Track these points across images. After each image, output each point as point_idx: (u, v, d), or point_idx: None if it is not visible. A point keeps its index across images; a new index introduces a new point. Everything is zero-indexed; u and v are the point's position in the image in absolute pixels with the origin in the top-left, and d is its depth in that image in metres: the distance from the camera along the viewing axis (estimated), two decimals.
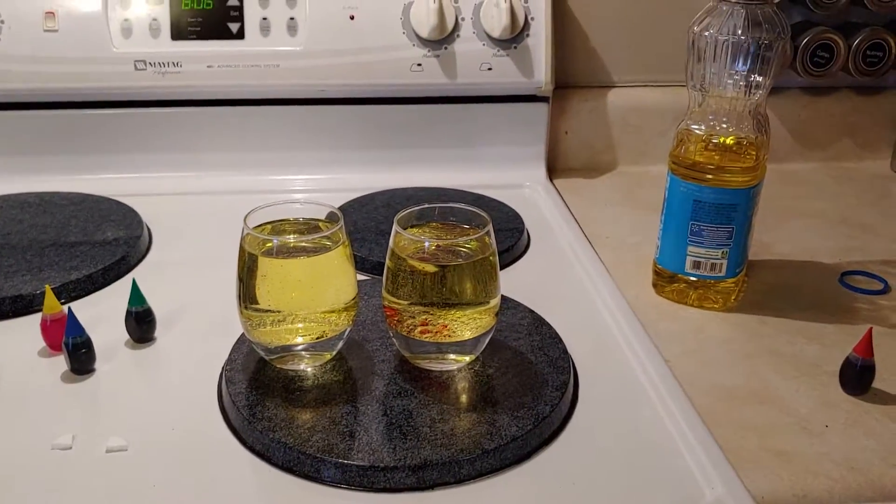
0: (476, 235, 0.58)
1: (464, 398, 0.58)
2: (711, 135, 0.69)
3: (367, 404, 0.56)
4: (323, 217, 0.62)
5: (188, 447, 0.54)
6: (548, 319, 0.67)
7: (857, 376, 0.61)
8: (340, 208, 0.72)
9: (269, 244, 0.58)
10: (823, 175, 1.05)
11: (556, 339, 0.64)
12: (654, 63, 1.03)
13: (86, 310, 0.68)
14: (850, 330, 0.69)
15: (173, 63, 0.89)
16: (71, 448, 0.54)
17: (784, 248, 0.84)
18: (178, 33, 0.89)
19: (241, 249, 0.58)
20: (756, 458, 0.55)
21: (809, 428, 0.58)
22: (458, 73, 0.92)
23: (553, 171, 1.02)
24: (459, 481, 0.52)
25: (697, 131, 0.69)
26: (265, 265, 0.57)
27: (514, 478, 0.52)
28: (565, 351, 0.63)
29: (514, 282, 0.74)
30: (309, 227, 0.61)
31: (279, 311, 0.58)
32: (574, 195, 0.96)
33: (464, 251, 0.58)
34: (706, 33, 0.67)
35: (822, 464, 0.54)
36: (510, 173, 0.97)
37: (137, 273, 0.76)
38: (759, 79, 0.68)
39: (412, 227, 0.61)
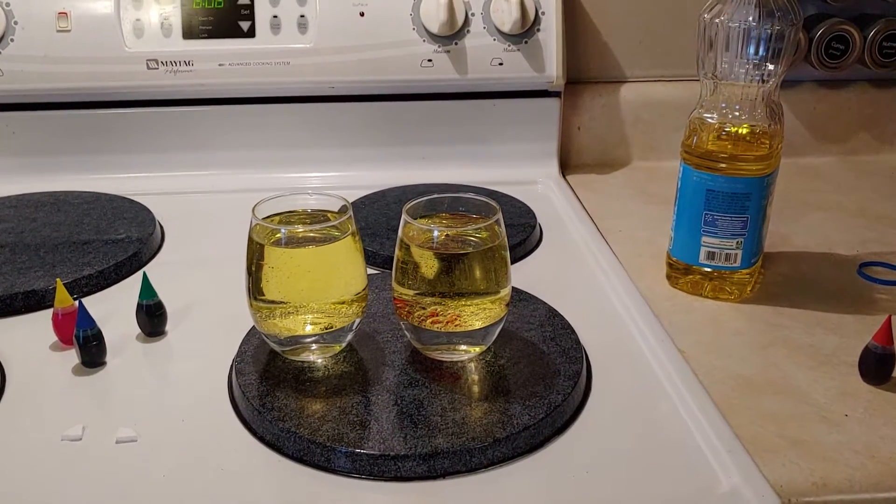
0: (485, 224, 0.58)
1: (475, 388, 0.57)
2: (724, 123, 0.68)
3: (378, 394, 0.56)
4: (332, 209, 0.62)
5: (198, 438, 0.54)
6: (560, 311, 0.66)
7: (877, 365, 0.60)
8: (352, 204, 0.72)
9: (278, 234, 0.57)
10: (840, 168, 1.03)
11: (568, 329, 0.64)
12: (667, 57, 1.02)
13: (97, 305, 0.68)
14: (869, 320, 0.68)
15: (185, 62, 0.90)
16: (81, 439, 0.54)
17: (801, 241, 0.83)
18: (190, 32, 0.90)
19: (250, 240, 0.58)
20: (773, 446, 0.54)
21: (828, 417, 0.57)
22: (468, 68, 0.91)
23: (566, 167, 1.02)
24: (471, 470, 0.51)
25: (710, 120, 0.69)
26: (273, 255, 0.57)
27: (527, 467, 0.52)
28: (578, 341, 0.62)
29: (526, 275, 0.73)
30: (318, 218, 0.61)
31: (288, 303, 0.58)
32: (587, 191, 0.95)
33: (473, 240, 0.58)
34: (717, 20, 0.66)
35: (842, 452, 0.53)
36: (522, 170, 0.97)
37: (149, 269, 0.76)
38: (772, 67, 0.67)
39: (421, 217, 0.60)
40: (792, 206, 0.91)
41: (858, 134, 1.06)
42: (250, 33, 0.90)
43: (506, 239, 0.58)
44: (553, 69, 0.93)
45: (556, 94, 0.96)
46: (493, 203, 0.59)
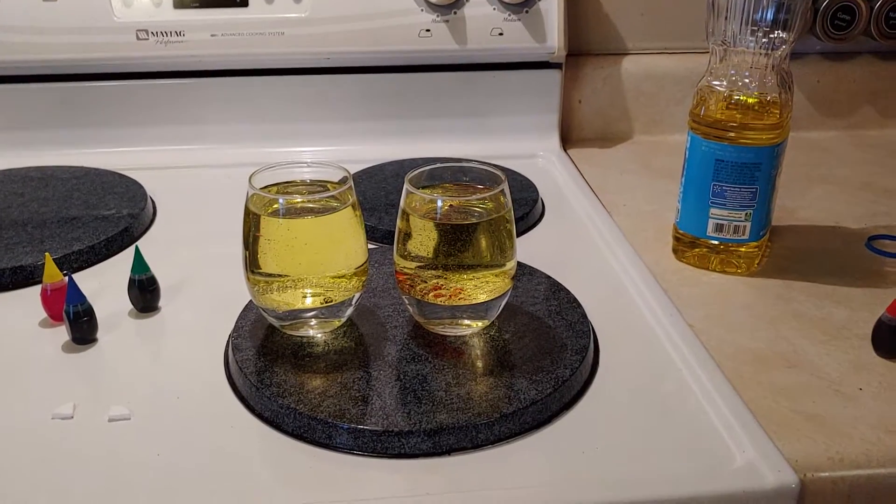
0: (490, 193, 0.56)
1: (480, 363, 0.55)
2: (733, 91, 0.66)
3: (380, 369, 0.54)
4: (332, 179, 0.59)
5: (194, 415, 0.52)
6: (565, 285, 0.65)
7: (891, 338, 0.58)
8: None
9: (275, 204, 0.55)
10: (844, 143, 1.02)
11: (574, 303, 0.62)
12: (670, 29, 1.00)
13: (88, 281, 0.66)
14: (879, 293, 0.67)
15: (176, 32, 0.87)
16: (72, 417, 0.52)
17: (808, 214, 0.81)
18: (181, 1, 0.87)
19: (246, 211, 0.56)
20: (787, 421, 0.52)
21: (842, 391, 0.55)
22: (468, 38, 0.89)
23: (567, 141, 1.00)
24: (477, 446, 0.49)
25: (719, 88, 0.67)
26: (271, 226, 0.55)
27: (534, 443, 0.50)
28: (584, 315, 0.60)
29: (529, 249, 0.71)
30: (317, 188, 0.59)
31: (286, 276, 0.56)
32: (589, 164, 0.93)
33: (478, 210, 0.56)
34: None
35: (858, 427, 0.52)
36: (523, 143, 0.95)
37: (141, 245, 0.73)
38: (783, 34, 0.65)
39: (424, 187, 0.58)
40: (796, 180, 0.89)
41: (863, 108, 1.04)
42: (243, 2, 0.87)
43: (512, 210, 0.56)
44: (554, 40, 0.90)
45: (557, 66, 0.94)
46: (499, 172, 0.57)
